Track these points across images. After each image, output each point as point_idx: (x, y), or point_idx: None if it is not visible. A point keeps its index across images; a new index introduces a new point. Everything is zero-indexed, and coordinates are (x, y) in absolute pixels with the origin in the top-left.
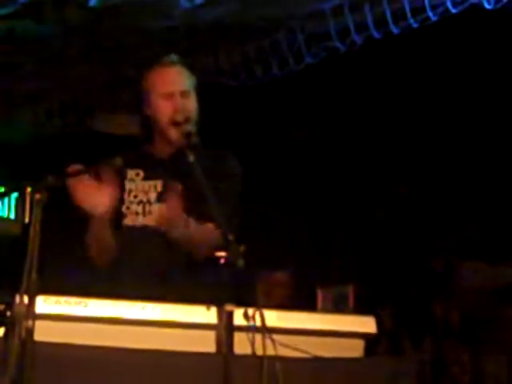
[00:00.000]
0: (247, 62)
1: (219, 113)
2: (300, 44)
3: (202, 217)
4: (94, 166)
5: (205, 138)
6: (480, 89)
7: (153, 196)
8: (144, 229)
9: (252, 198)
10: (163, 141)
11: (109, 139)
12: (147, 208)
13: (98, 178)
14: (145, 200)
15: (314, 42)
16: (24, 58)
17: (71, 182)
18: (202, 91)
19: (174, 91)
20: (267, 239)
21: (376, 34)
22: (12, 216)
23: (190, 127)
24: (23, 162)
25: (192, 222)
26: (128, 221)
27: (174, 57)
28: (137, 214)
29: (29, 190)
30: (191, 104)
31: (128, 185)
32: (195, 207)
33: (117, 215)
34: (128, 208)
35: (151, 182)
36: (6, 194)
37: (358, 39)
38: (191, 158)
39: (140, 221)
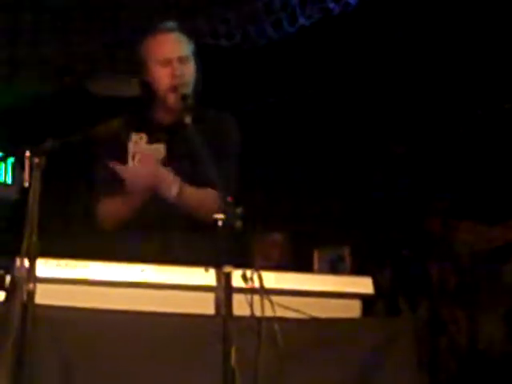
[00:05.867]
0: (242, 23)
1: (222, 75)
2: (294, 5)
3: (200, 180)
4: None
5: (206, 100)
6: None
7: (155, 161)
8: None
9: (250, 160)
10: (163, 107)
11: (108, 102)
12: None
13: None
14: None
15: (308, 4)
16: (21, 22)
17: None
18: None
19: (171, 58)
20: (265, 201)
21: None
22: (9, 181)
23: (187, 90)
24: (21, 127)
25: (187, 186)
26: None
27: (171, 23)
28: None
29: (28, 153)
30: (189, 69)
31: (132, 148)
32: (194, 170)
33: (121, 178)
34: None
35: (154, 146)
36: (3, 158)
37: (352, 1)
38: (187, 120)
39: None
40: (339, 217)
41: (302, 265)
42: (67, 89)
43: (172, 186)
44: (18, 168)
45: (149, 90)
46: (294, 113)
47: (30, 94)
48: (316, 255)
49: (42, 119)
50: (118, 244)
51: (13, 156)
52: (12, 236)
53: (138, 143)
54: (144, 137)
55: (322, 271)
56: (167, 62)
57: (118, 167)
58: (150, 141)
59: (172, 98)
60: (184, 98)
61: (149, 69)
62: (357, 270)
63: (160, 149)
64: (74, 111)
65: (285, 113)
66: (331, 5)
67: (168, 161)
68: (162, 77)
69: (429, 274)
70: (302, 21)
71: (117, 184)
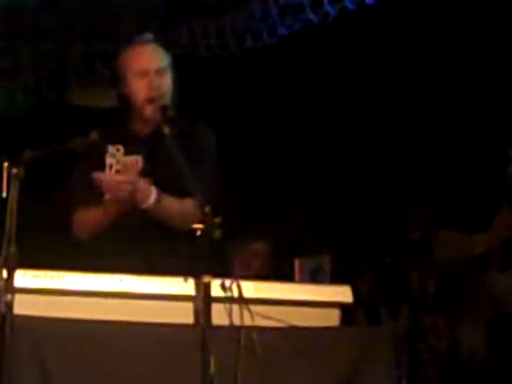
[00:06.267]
0: (221, 34)
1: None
2: (273, 16)
3: (179, 190)
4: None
5: (184, 110)
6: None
7: (134, 171)
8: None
9: (228, 169)
10: (140, 119)
11: (86, 113)
12: None
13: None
14: None
15: (287, 14)
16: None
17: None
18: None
19: (148, 69)
20: (245, 210)
21: (350, 6)
22: None
23: (164, 101)
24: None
25: (165, 196)
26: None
27: (148, 35)
28: None
29: (6, 164)
30: (166, 81)
31: (109, 160)
32: (173, 181)
33: (98, 190)
34: None
35: (132, 158)
36: None
37: (331, 11)
38: (166, 131)
39: None
40: (319, 225)
41: (283, 274)
42: (45, 100)
43: (149, 195)
44: None
45: (126, 102)
46: (275, 122)
47: (8, 107)
48: (297, 265)
49: (19, 130)
50: (97, 255)
51: None
52: None
53: (114, 155)
54: (121, 149)
55: (302, 281)
56: (144, 74)
57: (96, 174)
58: (127, 152)
59: (149, 110)
60: (163, 109)
61: (126, 80)
62: (337, 279)
63: (137, 160)
64: (52, 122)
65: (265, 122)
66: (311, 15)
67: (146, 172)
68: (139, 88)
69: (409, 282)
70: (281, 31)
71: (93, 195)
